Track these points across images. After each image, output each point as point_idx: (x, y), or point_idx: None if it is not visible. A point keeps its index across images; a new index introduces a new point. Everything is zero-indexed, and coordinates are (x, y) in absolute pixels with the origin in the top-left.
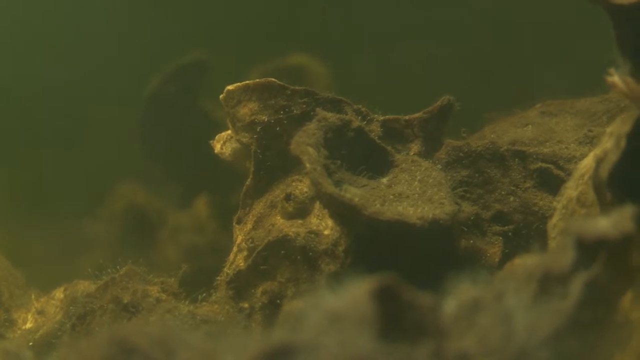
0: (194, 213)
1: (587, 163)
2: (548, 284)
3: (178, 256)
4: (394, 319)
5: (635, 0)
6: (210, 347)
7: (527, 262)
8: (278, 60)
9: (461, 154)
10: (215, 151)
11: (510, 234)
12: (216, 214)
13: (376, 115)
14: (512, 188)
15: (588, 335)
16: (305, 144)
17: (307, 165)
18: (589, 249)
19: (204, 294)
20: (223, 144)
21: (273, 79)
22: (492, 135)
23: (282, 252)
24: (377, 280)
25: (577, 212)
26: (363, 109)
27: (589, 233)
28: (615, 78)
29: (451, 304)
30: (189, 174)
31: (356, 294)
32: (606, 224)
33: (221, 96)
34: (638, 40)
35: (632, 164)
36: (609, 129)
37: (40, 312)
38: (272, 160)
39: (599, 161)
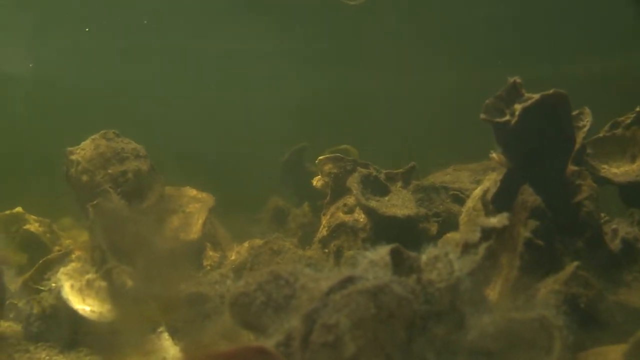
0: (303, 210)
1: (477, 192)
2: (467, 248)
3: (296, 229)
4: (399, 264)
5: (503, 120)
6: (315, 275)
7: (454, 236)
8: (337, 146)
9: (419, 187)
10: (314, 184)
11: (441, 221)
12: (312, 210)
13: (383, 170)
14: (441, 202)
15: (486, 272)
16: (353, 182)
17: (354, 191)
18: (487, 232)
19: (308, 246)
20: (317, 181)
21: (339, 154)
22: (432, 179)
23: (342, 228)
24: (392, 246)
25: (472, 214)
26: (376, 167)
27: (487, 224)
28: (494, 155)
29: (424, 256)
30: (300, 193)
31: (382, 252)
32: (495, 220)
33: (316, 161)
34: (504, 138)
35: (502, 194)
36: (487, 177)
37: (238, 252)
38: (338, 189)
39: (485, 191)
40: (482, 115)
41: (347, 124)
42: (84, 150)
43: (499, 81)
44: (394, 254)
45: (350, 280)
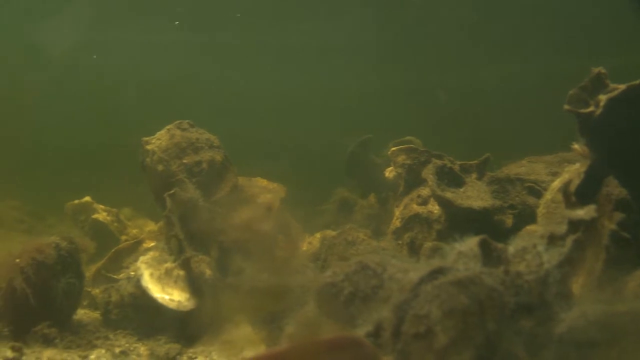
0: (369, 201)
1: (556, 184)
2: (553, 240)
3: (362, 220)
4: (487, 255)
5: (587, 111)
6: (403, 266)
7: (534, 229)
8: (402, 138)
9: (493, 179)
10: (386, 176)
11: (516, 213)
12: (377, 202)
13: (457, 161)
14: (516, 194)
15: (573, 263)
16: (429, 173)
17: (430, 182)
18: (574, 224)
19: (381, 237)
20: (389, 172)
21: (412, 145)
22: (506, 171)
23: (416, 220)
24: (480, 237)
25: (551, 206)
26: (451, 158)
27: (575, 216)
28: (577, 146)
29: (511, 248)
30: (365, 184)
31: (470, 243)
32: (582, 212)
33: (389, 152)
34: (588, 129)
35: (585, 186)
36: (566, 169)
37: (310, 243)
38: (411, 180)
39: (566, 183)
40: (566, 106)
41: (416, 116)
42: (159, 140)
43: (574, 73)
44: (483, 245)
45: (440, 271)
